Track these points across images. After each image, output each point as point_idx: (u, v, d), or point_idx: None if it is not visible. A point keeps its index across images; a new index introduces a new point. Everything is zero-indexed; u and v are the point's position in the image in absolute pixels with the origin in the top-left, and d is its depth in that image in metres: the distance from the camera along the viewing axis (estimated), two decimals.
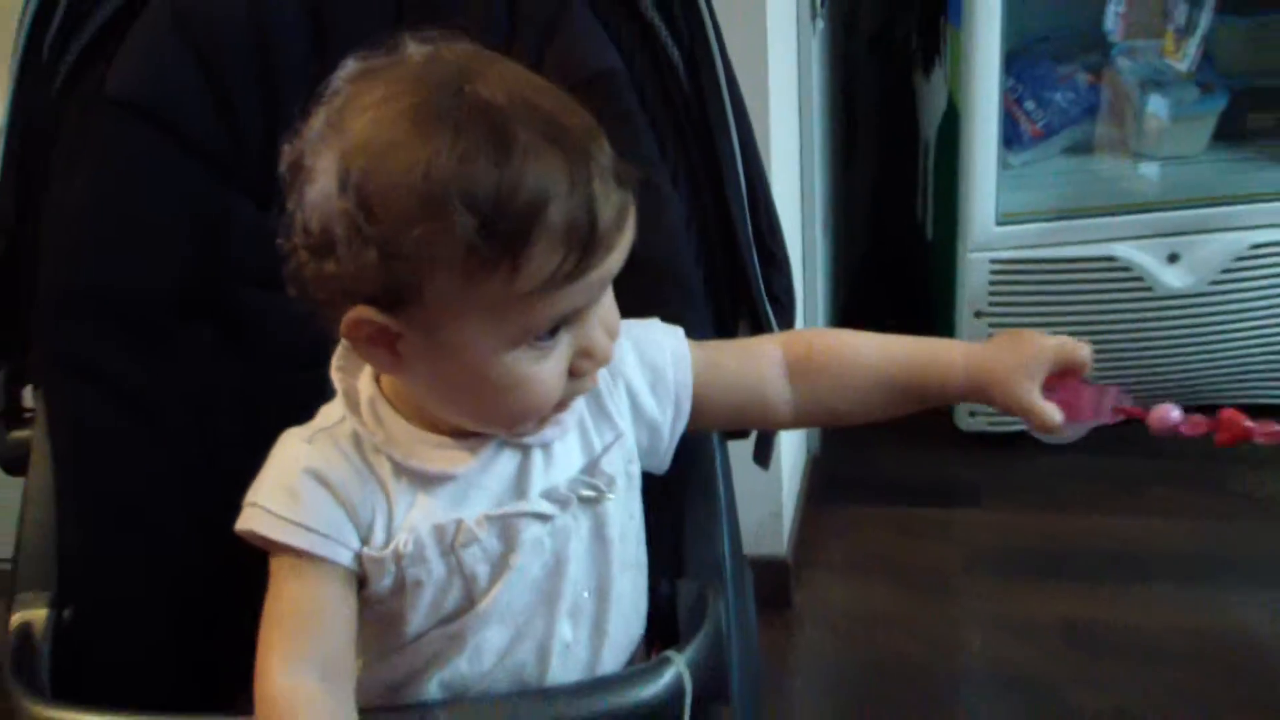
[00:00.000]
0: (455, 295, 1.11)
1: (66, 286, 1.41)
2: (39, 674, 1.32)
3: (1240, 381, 3.50)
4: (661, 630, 1.37)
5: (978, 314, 3.35)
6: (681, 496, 1.44)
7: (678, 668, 1.23)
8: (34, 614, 1.35)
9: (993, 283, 3.33)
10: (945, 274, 3.46)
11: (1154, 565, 3.10)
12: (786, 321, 1.51)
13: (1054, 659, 2.84)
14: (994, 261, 3.32)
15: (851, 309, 3.95)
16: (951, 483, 3.38)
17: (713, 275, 1.48)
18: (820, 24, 3.17)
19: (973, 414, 3.46)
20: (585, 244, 1.11)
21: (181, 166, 1.45)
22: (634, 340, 1.34)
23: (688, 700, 1.22)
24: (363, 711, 1.21)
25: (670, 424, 1.36)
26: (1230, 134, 3.57)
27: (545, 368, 1.17)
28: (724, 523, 1.45)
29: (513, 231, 1.08)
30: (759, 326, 1.49)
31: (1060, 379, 1.32)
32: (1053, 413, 1.31)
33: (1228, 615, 2.95)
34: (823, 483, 3.32)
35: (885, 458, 3.43)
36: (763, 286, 1.48)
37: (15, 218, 1.43)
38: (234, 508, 1.22)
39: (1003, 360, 1.33)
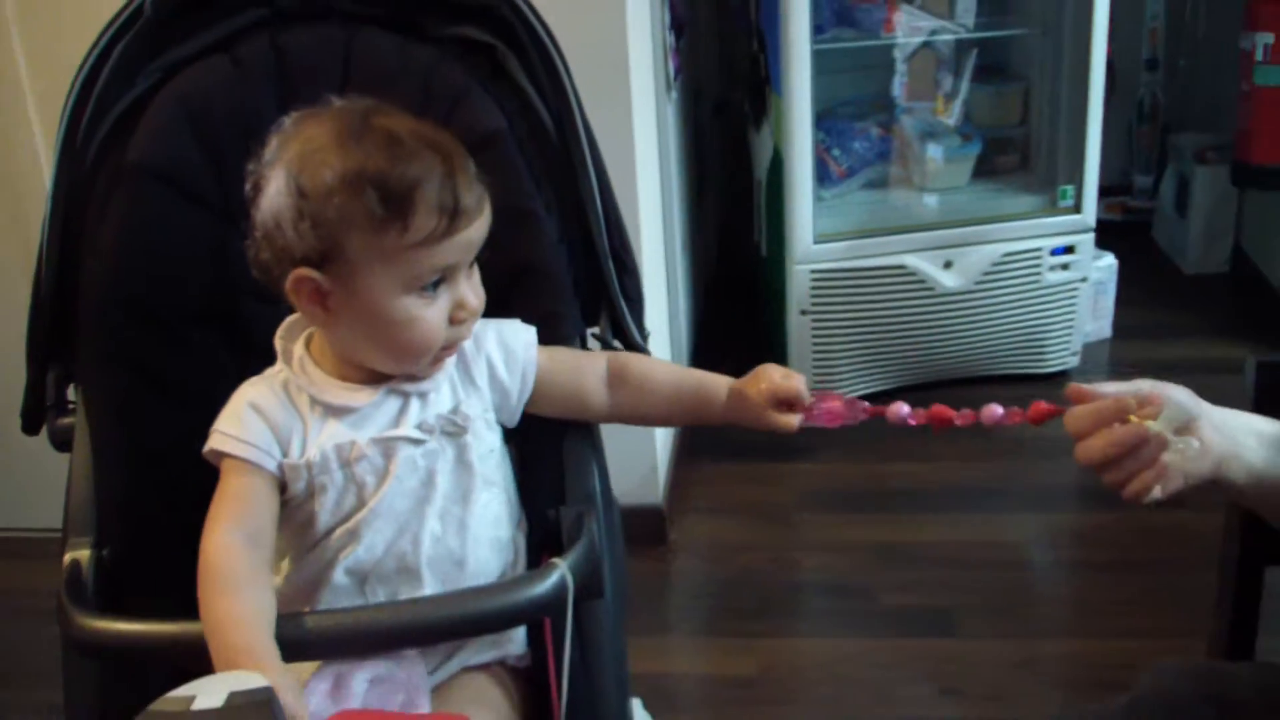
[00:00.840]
0: (364, 249, 1.25)
1: (107, 299, 1.45)
2: (86, 597, 1.36)
3: (999, 357, 3.57)
4: (550, 547, 1.42)
5: (803, 312, 3.39)
6: (561, 445, 1.50)
7: (562, 571, 1.29)
8: (80, 554, 1.40)
9: (813, 287, 3.37)
10: (777, 282, 3.48)
11: (945, 498, 3.17)
12: (637, 313, 1.58)
13: (869, 571, 2.90)
14: (813, 271, 3.36)
15: (709, 310, 3.99)
16: (792, 441, 3.33)
17: (580, 279, 1.55)
18: (674, 94, 3.20)
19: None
20: (453, 213, 1.25)
21: (187, 212, 1.49)
22: (497, 328, 1.45)
23: (570, 595, 1.29)
24: (333, 612, 1.29)
25: (518, 391, 1.45)
26: (985, 171, 3.66)
27: (431, 312, 1.29)
28: (594, 463, 1.51)
29: (401, 201, 1.23)
30: (616, 317, 1.56)
31: (822, 396, 1.47)
32: (786, 421, 1.49)
33: (1000, 531, 3.04)
34: (690, 444, 3.32)
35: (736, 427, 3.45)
36: (618, 287, 1.56)
37: (60, 260, 1.47)
38: None
39: (747, 394, 1.48)
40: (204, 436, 1.32)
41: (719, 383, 1.53)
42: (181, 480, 1.37)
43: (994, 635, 2.69)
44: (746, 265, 4.03)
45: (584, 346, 1.55)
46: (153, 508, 1.46)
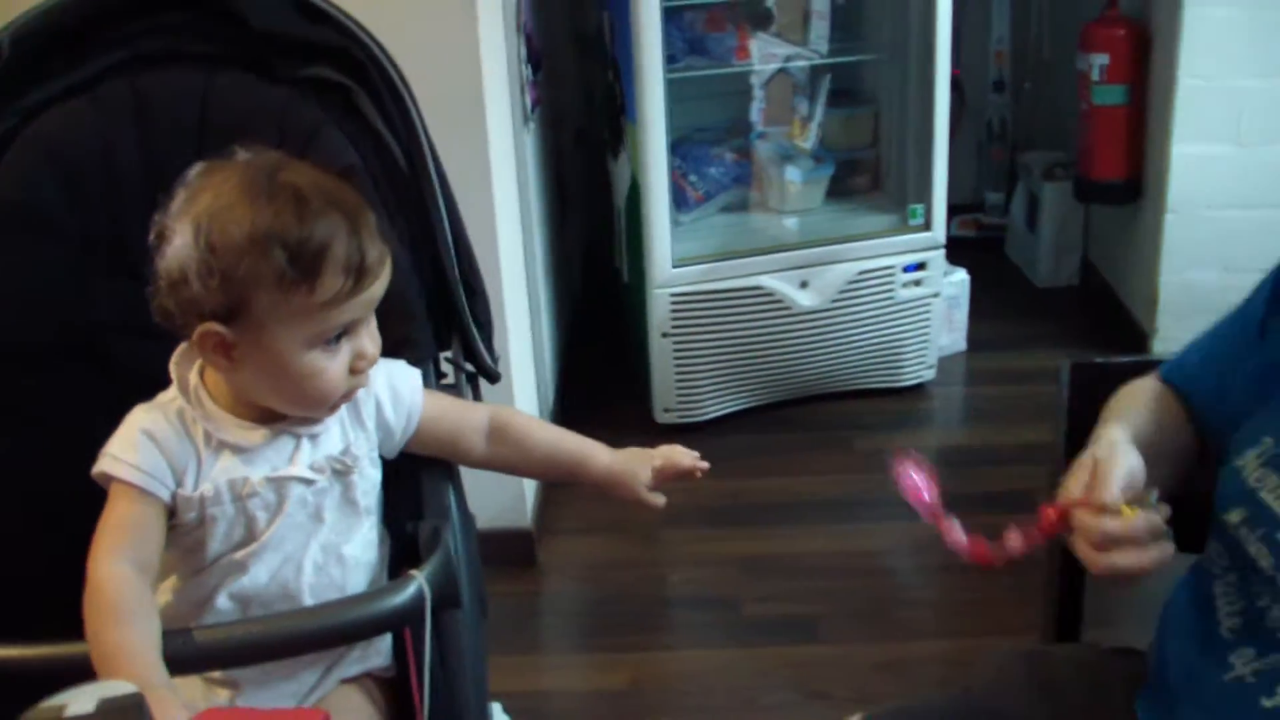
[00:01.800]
0: (272, 307, 1.31)
1: None
2: None
3: (857, 372, 3.70)
4: (409, 560, 1.49)
5: (664, 335, 3.47)
6: (419, 463, 1.59)
7: (419, 581, 1.36)
8: None
9: (673, 311, 3.45)
10: (639, 306, 3.56)
11: (807, 511, 3.27)
12: (487, 336, 1.68)
13: (734, 583, 3.00)
14: (673, 295, 3.44)
15: (574, 334, 4.07)
16: None
17: (431, 303, 1.64)
18: (532, 125, 3.29)
19: (667, 410, 3.57)
20: (358, 273, 1.32)
21: (48, 252, 1.54)
22: (386, 370, 1.52)
23: (428, 605, 1.36)
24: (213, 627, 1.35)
25: (401, 431, 1.54)
26: (838, 192, 3.80)
27: (334, 364, 1.37)
28: (450, 480, 1.60)
29: (310, 263, 1.29)
30: (467, 341, 1.66)
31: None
32: (657, 500, 1.63)
33: (861, 540, 3.15)
34: None
35: None
36: (469, 312, 1.65)
37: None
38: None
39: (627, 470, 1.62)
40: (74, 467, 1.37)
41: (598, 456, 1.64)
42: (51, 509, 1.42)
43: (858, 639, 2.81)
44: (610, 290, 4.11)
45: (437, 369, 1.64)
46: (20, 534, 1.52)
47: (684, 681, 2.74)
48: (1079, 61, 3.94)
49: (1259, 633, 1.25)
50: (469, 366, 1.66)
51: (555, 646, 2.97)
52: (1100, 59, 3.84)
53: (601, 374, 3.88)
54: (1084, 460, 1.29)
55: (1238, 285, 1.47)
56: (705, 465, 1.64)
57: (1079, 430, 1.64)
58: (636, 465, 1.62)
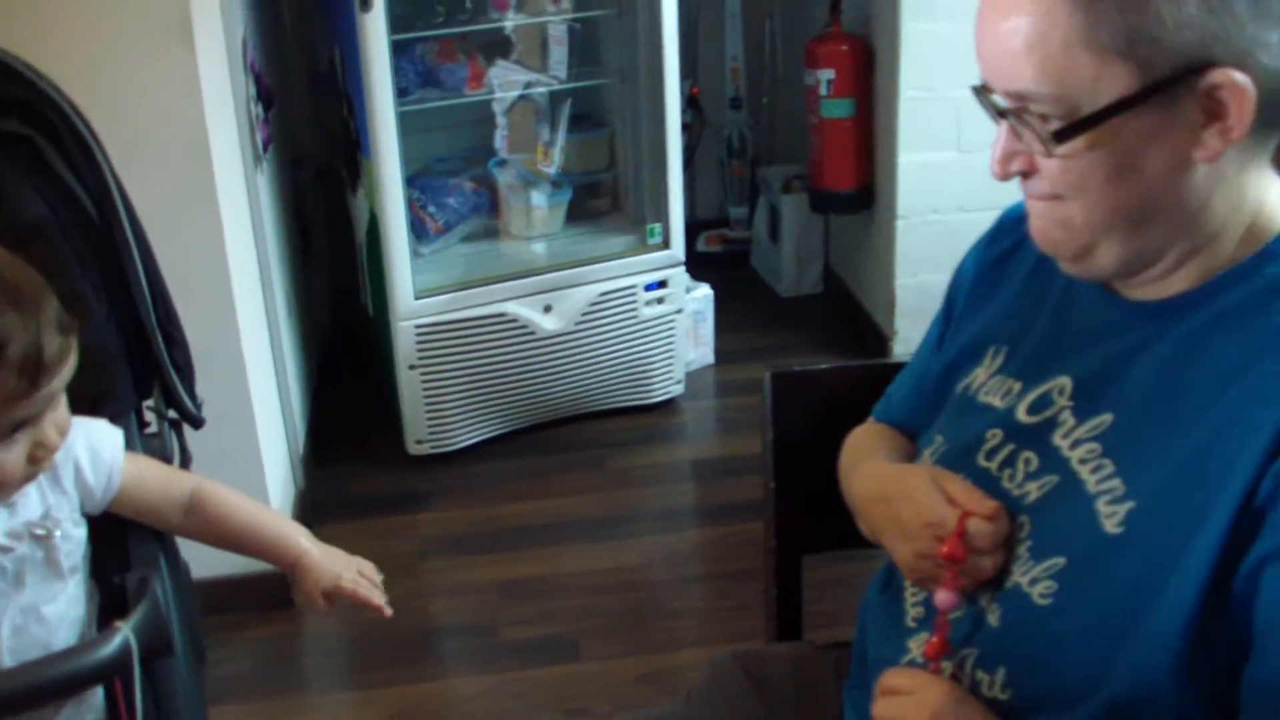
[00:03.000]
0: None
1: None
2: None
3: (607, 392, 3.76)
4: (118, 612, 1.49)
5: (411, 367, 3.48)
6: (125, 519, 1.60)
7: (125, 633, 1.37)
8: None
9: (419, 342, 3.46)
10: (385, 339, 3.57)
11: (563, 531, 3.32)
12: (188, 382, 1.69)
13: (493, 609, 3.04)
14: (417, 327, 3.45)
15: (326, 371, 4.07)
16: (410, 494, 3.49)
17: (130, 352, 1.65)
18: (265, 165, 3.28)
19: (419, 441, 3.58)
20: (34, 373, 1.30)
21: None
22: (86, 432, 1.52)
23: (136, 655, 1.37)
24: None
25: (103, 491, 1.55)
26: (578, 215, 3.86)
27: (9, 456, 1.35)
28: (156, 530, 1.61)
29: None
30: (168, 388, 1.67)
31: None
32: (326, 609, 1.70)
33: (619, 556, 3.22)
34: (310, 508, 3.37)
35: (356, 483, 3.55)
36: (168, 359, 1.66)
37: None
38: None
39: (318, 568, 1.68)
40: None
41: (293, 546, 1.69)
42: None
43: (617, 654, 2.87)
44: (358, 325, 4.11)
45: (139, 418, 1.64)
46: None
47: (444, 710, 2.77)
48: (807, 77, 4.09)
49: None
50: (172, 414, 1.66)
51: (317, 686, 2.95)
52: (826, 74, 3.99)
53: (354, 409, 3.88)
54: (919, 497, 1.31)
55: None
56: (388, 611, 1.72)
57: (784, 438, 1.72)
58: (329, 566, 1.67)
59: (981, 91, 1.17)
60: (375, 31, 3.21)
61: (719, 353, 4.13)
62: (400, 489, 3.53)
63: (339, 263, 4.14)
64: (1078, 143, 1.10)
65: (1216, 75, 1.06)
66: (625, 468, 3.58)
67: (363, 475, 3.58)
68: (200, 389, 2.78)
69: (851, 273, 4.42)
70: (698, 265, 4.26)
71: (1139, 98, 1.07)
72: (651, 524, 3.37)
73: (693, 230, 4.70)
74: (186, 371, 1.69)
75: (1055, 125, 1.10)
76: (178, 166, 2.70)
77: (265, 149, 3.29)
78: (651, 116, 3.68)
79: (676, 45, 3.56)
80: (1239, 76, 1.06)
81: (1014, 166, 1.17)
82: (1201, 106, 1.07)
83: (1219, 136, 1.08)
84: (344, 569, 1.67)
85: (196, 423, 1.72)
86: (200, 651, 1.66)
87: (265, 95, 3.35)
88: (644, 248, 3.71)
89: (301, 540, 1.67)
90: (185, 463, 1.75)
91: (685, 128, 4.66)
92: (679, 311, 3.77)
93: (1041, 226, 1.21)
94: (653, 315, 3.72)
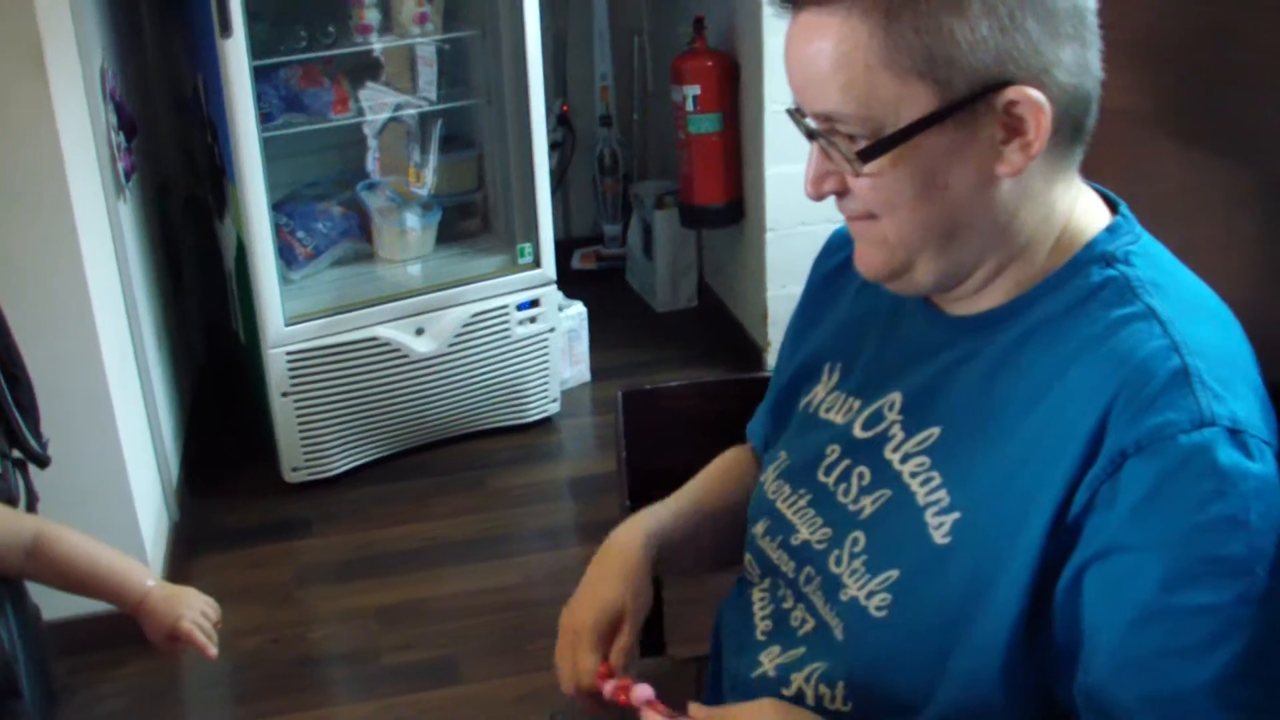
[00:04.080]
0: None
1: None
2: None
3: (483, 412, 3.78)
4: None
5: (284, 394, 3.47)
6: None
7: None
8: None
9: (290, 369, 3.45)
10: (257, 367, 3.55)
11: (442, 553, 3.33)
12: (32, 422, 1.68)
13: (372, 635, 3.04)
14: (289, 354, 3.44)
15: (202, 400, 4.05)
16: (287, 522, 3.48)
17: None
18: (129, 195, 3.25)
19: (295, 469, 3.57)
20: None
21: None
22: None
23: None
24: None
25: None
26: (449, 237, 3.88)
27: None
28: None
29: None
30: (11, 428, 1.65)
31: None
32: (170, 650, 1.70)
33: (498, 576, 3.23)
34: (185, 541, 3.35)
35: (233, 513, 3.52)
36: (9, 398, 1.65)
37: None
38: None
39: (156, 610, 1.68)
40: None
41: (136, 590, 1.69)
42: None
43: (497, 675, 2.89)
44: (231, 353, 4.08)
45: None
46: None
47: None
48: (674, 94, 4.13)
49: (783, 631, 1.37)
50: (16, 454, 1.65)
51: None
52: (692, 90, 4.04)
53: (230, 437, 3.85)
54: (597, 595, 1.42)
55: None
56: (212, 653, 1.70)
57: (637, 455, 1.75)
58: (169, 608, 1.66)
59: (795, 114, 1.21)
60: (236, 57, 3.20)
61: (595, 370, 4.16)
62: (277, 517, 3.51)
63: (211, 290, 4.11)
64: (883, 161, 1.13)
65: (1013, 93, 1.10)
66: (503, 487, 3.59)
67: (239, 505, 3.55)
68: (65, 426, 2.75)
69: (725, 286, 4.47)
70: (573, 283, 4.29)
71: (939, 116, 1.11)
72: (531, 543, 3.39)
73: (567, 248, 4.74)
74: (30, 410, 1.68)
75: (861, 145, 1.14)
76: (34, 201, 2.67)
77: (128, 179, 3.26)
78: (519, 136, 3.70)
79: (540, 65, 3.59)
80: (1035, 93, 1.10)
81: (827, 186, 1.20)
82: (1001, 123, 1.12)
83: (1020, 152, 1.12)
84: (186, 609, 1.67)
85: (41, 462, 1.71)
86: (52, 694, 1.65)
87: (127, 124, 3.32)
88: (515, 267, 3.73)
89: (146, 581, 1.67)
90: (31, 504, 1.74)
91: (556, 146, 4.71)
92: (552, 330, 3.80)
93: (860, 250, 1.24)
94: (526, 335, 3.74)
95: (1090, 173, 1.78)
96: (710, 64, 4.05)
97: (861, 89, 1.11)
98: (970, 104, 1.10)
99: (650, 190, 4.67)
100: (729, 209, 4.17)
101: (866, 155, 1.14)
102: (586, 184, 5.00)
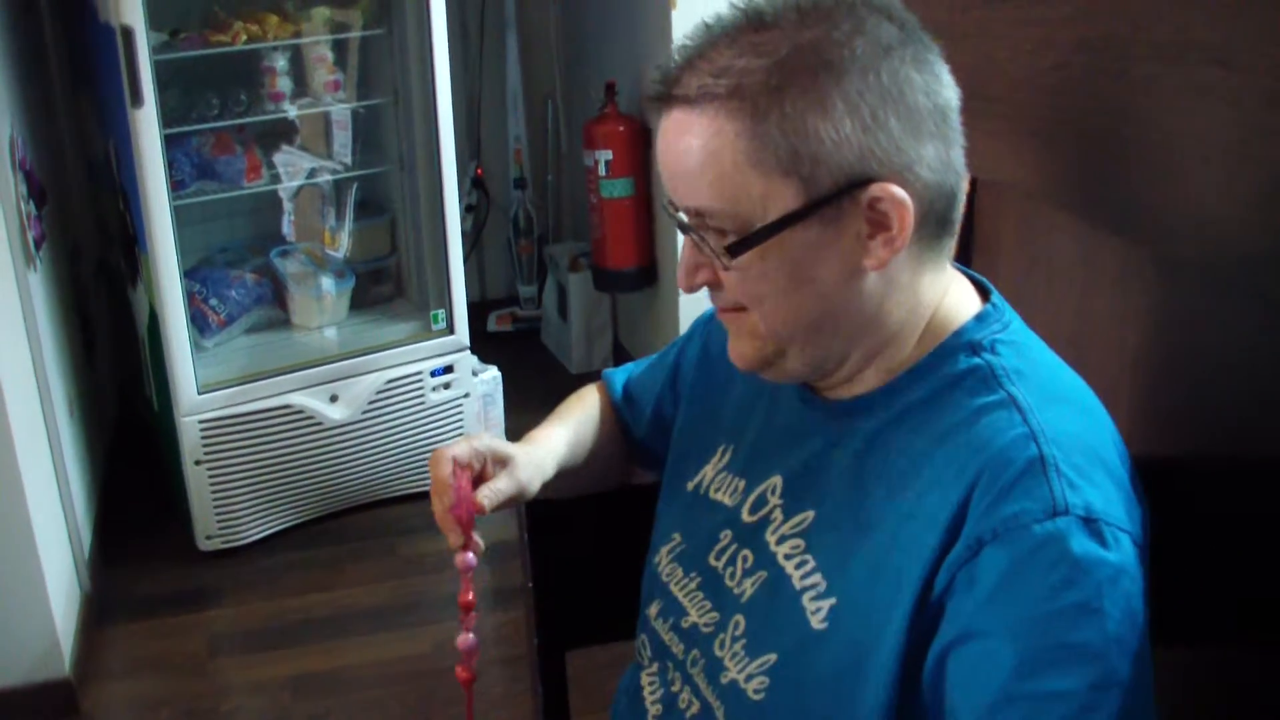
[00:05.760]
0: None
1: None
2: None
3: (397, 478, 3.80)
4: None
5: (197, 462, 3.47)
6: None
7: None
8: None
9: (204, 437, 3.46)
10: (171, 434, 3.55)
11: (354, 621, 3.33)
12: None
13: (284, 706, 3.04)
14: (202, 421, 3.45)
15: (115, 467, 4.03)
16: (199, 590, 3.47)
17: None
18: (39, 263, 3.26)
19: (209, 537, 3.56)
20: None
21: None
22: None
23: None
24: None
25: None
26: (363, 303, 3.92)
27: None
28: None
29: None
30: None
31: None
32: None
33: (412, 644, 3.23)
34: (96, 612, 3.33)
35: (145, 581, 3.51)
36: None
37: None
38: None
39: None
40: None
41: None
42: None
43: None
44: (145, 420, 4.08)
45: None
46: None
47: None
48: (585, 158, 4.20)
49: (672, 714, 1.40)
50: None
51: None
52: (604, 154, 4.11)
53: (144, 504, 3.84)
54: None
55: None
56: None
57: (540, 529, 1.76)
58: None
59: (669, 206, 1.24)
60: (148, 127, 3.22)
61: (510, 433, 4.17)
62: (190, 585, 3.50)
63: (124, 354, 4.11)
64: (751, 256, 1.17)
65: (876, 189, 1.14)
66: (417, 554, 3.61)
67: (151, 573, 3.54)
68: None
69: (639, 347, 4.53)
70: (488, 344, 4.33)
71: (804, 212, 1.15)
72: (443, 610, 3.39)
73: (483, 309, 4.79)
74: None
75: (730, 240, 1.17)
76: None
77: (39, 247, 3.27)
78: (431, 203, 3.75)
79: (452, 131, 3.64)
80: (897, 190, 1.14)
81: (699, 278, 1.23)
82: (866, 218, 1.15)
83: (885, 246, 1.16)
84: None
85: None
86: None
87: (38, 192, 3.33)
88: (428, 333, 3.77)
89: None
90: None
91: (471, 208, 4.76)
92: (466, 396, 3.83)
93: (732, 341, 1.28)
94: (440, 400, 3.77)
95: (989, 243, 1.85)
96: (622, 129, 4.12)
97: (729, 186, 1.15)
98: (835, 200, 1.14)
99: (564, 252, 4.73)
100: (641, 272, 4.23)
101: (735, 250, 1.17)
102: (501, 245, 5.05)
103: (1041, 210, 1.74)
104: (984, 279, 1.31)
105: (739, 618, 1.31)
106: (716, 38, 1.17)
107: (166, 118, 3.29)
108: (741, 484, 1.38)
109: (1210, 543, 1.34)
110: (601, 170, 4.13)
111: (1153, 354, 1.54)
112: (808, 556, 1.25)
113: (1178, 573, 1.23)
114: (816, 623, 1.21)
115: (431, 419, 3.77)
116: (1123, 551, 1.09)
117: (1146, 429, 1.49)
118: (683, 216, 1.20)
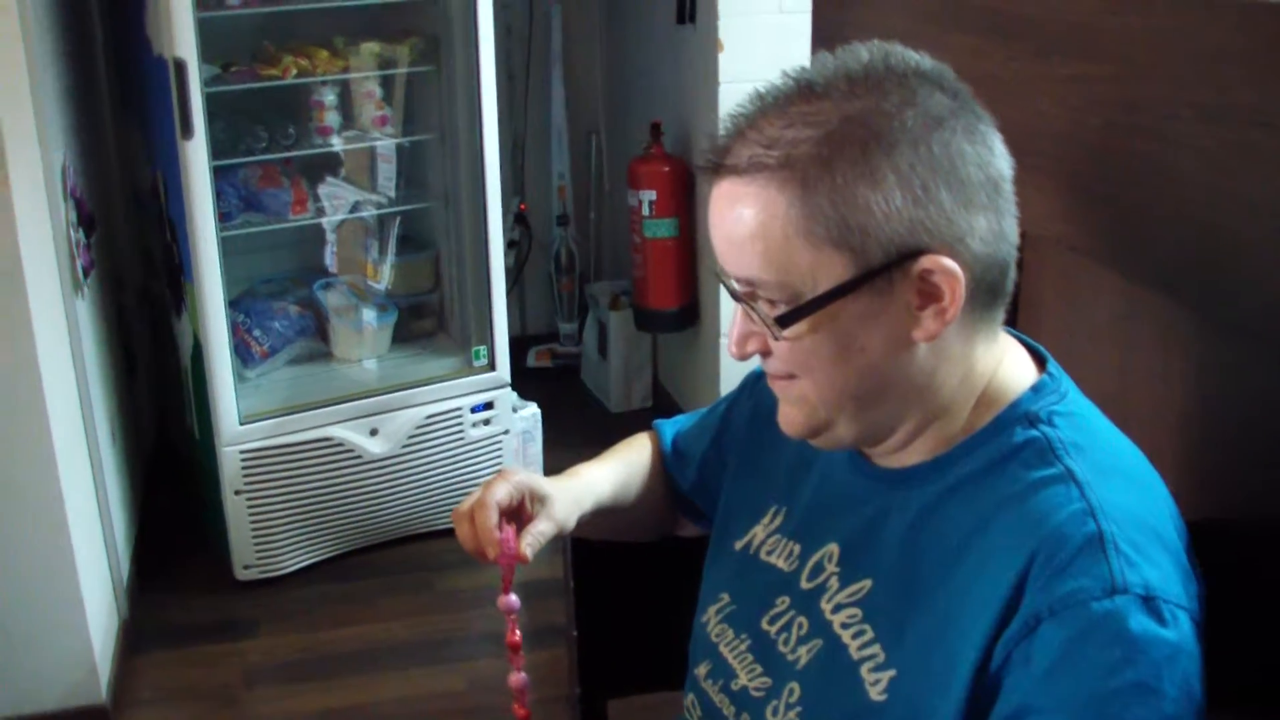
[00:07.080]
0: None
1: None
2: None
3: (434, 513, 3.82)
4: None
5: (237, 492, 3.51)
6: None
7: None
8: None
9: (244, 467, 3.50)
10: (211, 464, 3.58)
11: (391, 655, 3.35)
12: None
13: None
14: (243, 452, 3.49)
15: (152, 494, 4.08)
16: (235, 621, 3.50)
17: None
18: (86, 290, 3.30)
19: (246, 566, 3.60)
20: None
21: None
22: None
23: None
24: None
25: None
26: (404, 337, 3.96)
27: None
28: None
29: None
30: None
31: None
32: None
33: (447, 680, 3.25)
34: (133, 639, 3.37)
35: (181, 610, 3.54)
36: None
37: None
38: None
39: None
40: None
41: None
42: None
43: None
44: (184, 449, 4.10)
45: None
46: None
47: None
48: (629, 197, 4.23)
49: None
50: None
51: None
52: (648, 195, 4.14)
53: (181, 532, 3.88)
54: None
55: None
56: None
57: (586, 577, 1.79)
58: None
59: (720, 274, 1.25)
60: (196, 159, 3.27)
61: (548, 470, 4.17)
62: (226, 615, 3.53)
63: (165, 382, 4.15)
64: (801, 326, 1.18)
65: (927, 261, 1.15)
66: (453, 589, 3.63)
67: (188, 601, 3.58)
68: (16, 525, 2.82)
69: (679, 388, 4.55)
70: (528, 380, 4.35)
71: (855, 284, 1.16)
72: (478, 646, 3.41)
73: (523, 345, 4.83)
74: None
75: (781, 310, 1.19)
76: None
77: (86, 275, 3.32)
78: (474, 239, 3.78)
79: (498, 169, 3.68)
80: (948, 262, 1.15)
81: (750, 347, 1.25)
82: (916, 290, 1.16)
83: (935, 317, 1.17)
84: None
85: None
86: None
87: (87, 220, 3.38)
88: (470, 369, 3.80)
89: None
90: None
91: (513, 244, 4.80)
92: (506, 432, 3.86)
93: (783, 408, 1.29)
94: (480, 436, 3.81)
95: (1033, 299, 1.86)
96: (667, 169, 4.15)
97: (779, 257, 1.16)
98: (885, 272, 1.15)
99: (605, 290, 4.76)
100: (683, 313, 4.26)
101: (785, 321, 1.18)
102: (543, 281, 5.09)
103: (1084, 266, 1.74)
104: (1040, 346, 1.32)
105: (794, 685, 1.31)
106: (768, 107, 1.19)
107: (215, 150, 3.34)
108: (797, 548, 1.39)
109: (1256, 604, 1.35)
110: (645, 210, 4.16)
111: (1196, 413, 1.54)
112: (865, 626, 1.26)
113: (1222, 634, 1.23)
114: (876, 694, 1.22)
115: (471, 454, 3.81)
116: (1181, 630, 1.09)
117: (1191, 487, 1.48)
118: (734, 285, 1.22)
